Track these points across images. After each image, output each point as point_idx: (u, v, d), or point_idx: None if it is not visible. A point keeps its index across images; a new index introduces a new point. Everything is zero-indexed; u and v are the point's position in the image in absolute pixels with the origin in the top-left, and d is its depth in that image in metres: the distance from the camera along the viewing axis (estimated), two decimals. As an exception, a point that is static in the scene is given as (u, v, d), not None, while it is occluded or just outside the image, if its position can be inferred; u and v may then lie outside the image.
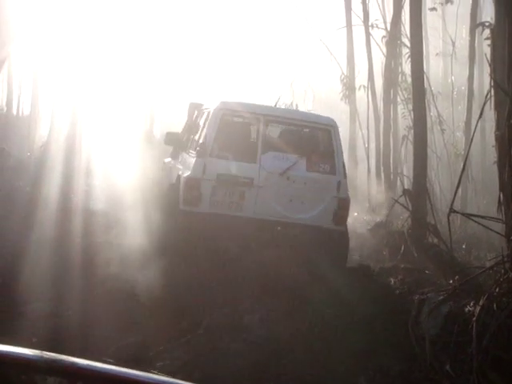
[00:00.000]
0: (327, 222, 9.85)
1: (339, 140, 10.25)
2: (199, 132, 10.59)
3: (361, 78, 23.17)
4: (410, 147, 17.49)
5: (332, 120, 10.43)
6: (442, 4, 22.45)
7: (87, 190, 15.20)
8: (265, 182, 9.78)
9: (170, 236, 9.75)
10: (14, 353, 1.85)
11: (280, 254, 10.06)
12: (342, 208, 9.93)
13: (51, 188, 14.69)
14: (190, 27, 29.68)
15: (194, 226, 9.52)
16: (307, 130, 10.59)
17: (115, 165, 17.13)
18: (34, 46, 22.44)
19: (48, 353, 1.86)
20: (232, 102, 10.41)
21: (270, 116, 10.23)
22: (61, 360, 1.83)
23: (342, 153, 10.16)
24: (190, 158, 10.25)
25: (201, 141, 10.02)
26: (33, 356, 1.85)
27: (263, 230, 9.73)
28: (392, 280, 9.56)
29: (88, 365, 1.84)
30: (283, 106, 21.89)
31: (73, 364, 1.83)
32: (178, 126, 27.63)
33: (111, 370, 1.85)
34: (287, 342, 7.36)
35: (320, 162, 10.09)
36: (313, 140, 10.48)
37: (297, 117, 10.72)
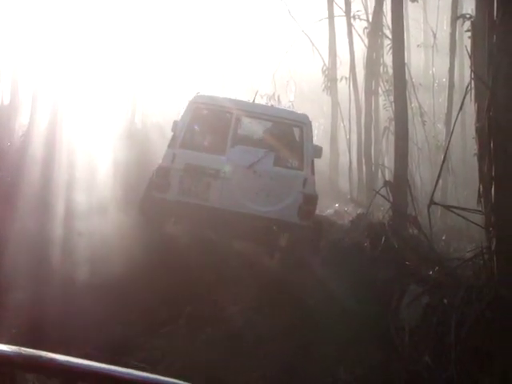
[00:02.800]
0: (292, 217, 9.99)
1: (311, 137, 10.43)
2: None
3: (343, 70, 23.19)
4: (392, 139, 17.55)
5: (305, 117, 10.61)
6: (423, -4, 22.52)
7: (68, 179, 15.10)
8: (231, 174, 10.03)
9: (145, 221, 10.12)
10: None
11: (249, 245, 10.30)
12: (307, 204, 10.07)
13: (32, 178, 14.59)
14: (172, 16, 29.51)
15: (163, 211, 9.94)
16: (280, 125, 10.74)
17: (96, 155, 17.06)
18: (14, 34, 22.20)
19: (26, 349, 1.85)
20: (206, 96, 10.76)
21: (243, 111, 10.44)
22: (40, 356, 1.82)
23: (312, 149, 10.31)
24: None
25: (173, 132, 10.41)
26: (11, 352, 1.84)
27: (228, 221, 9.86)
28: (372, 271, 9.62)
29: (67, 361, 1.84)
30: (264, 98, 21.94)
31: (51, 360, 1.83)
32: (160, 117, 27.55)
33: (90, 366, 1.85)
34: (267, 333, 7.39)
35: (288, 158, 10.41)
36: (284, 136, 10.67)
37: (269, 112, 10.87)
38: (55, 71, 18.32)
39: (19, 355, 1.82)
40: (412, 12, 28.91)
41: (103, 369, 1.85)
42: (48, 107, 18.33)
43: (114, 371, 1.84)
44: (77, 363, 1.85)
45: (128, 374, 1.85)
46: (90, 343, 6.80)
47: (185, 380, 2.01)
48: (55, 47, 18.35)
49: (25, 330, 6.91)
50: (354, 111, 22.07)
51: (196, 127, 10.57)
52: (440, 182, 14.65)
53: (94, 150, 17.49)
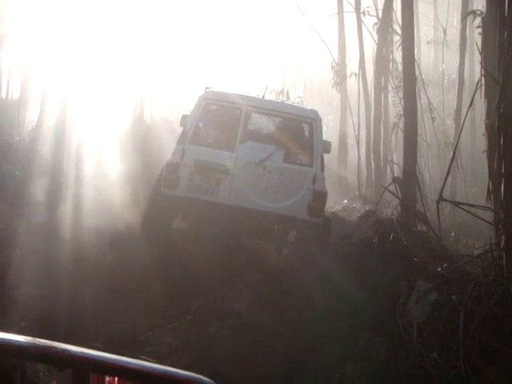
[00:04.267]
0: (301, 213, 10.01)
1: (320, 133, 10.40)
2: None
3: (352, 66, 23.14)
4: (401, 135, 17.48)
5: (315, 113, 10.59)
6: (433, -8, 22.43)
7: (77, 174, 15.15)
8: (240, 170, 10.04)
9: (150, 216, 10.19)
10: (6, 339, 1.86)
11: (259, 241, 10.33)
12: (316, 200, 10.07)
13: (41, 172, 14.64)
14: (182, 12, 29.49)
15: (172, 207, 9.99)
16: (289, 121, 10.72)
17: (105, 149, 17.10)
18: (24, 29, 22.23)
19: (40, 340, 1.87)
20: (216, 92, 10.72)
21: (253, 107, 10.44)
22: (53, 347, 1.83)
23: (321, 146, 10.29)
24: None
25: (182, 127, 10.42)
26: (25, 343, 1.85)
27: (237, 217, 9.88)
28: (380, 267, 9.60)
29: (80, 352, 1.85)
30: (273, 93, 21.92)
31: (64, 351, 1.84)
32: (169, 112, 27.56)
33: (102, 356, 1.86)
34: (275, 328, 7.39)
35: (298, 154, 10.37)
36: (294, 132, 10.66)
37: (279, 108, 10.83)
38: (64, 66, 18.35)
39: (33, 345, 1.83)
40: (422, 8, 28.76)
41: (115, 360, 1.86)
42: (57, 102, 18.38)
43: (126, 362, 1.85)
44: (89, 354, 1.87)
45: (140, 365, 1.86)
46: (97, 337, 6.83)
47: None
48: (65, 42, 18.39)
49: (33, 323, 6.95)
50: (363, 107, 22.00)
51: (206, 123, 10.53)
52: (449, 178, 14.61)
53: (102, 144, 17.53)
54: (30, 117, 22.84)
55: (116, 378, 1.94)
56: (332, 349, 7.04)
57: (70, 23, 18.12)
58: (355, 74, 22.23)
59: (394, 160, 21.84)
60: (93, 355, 1.86)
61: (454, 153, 12.36)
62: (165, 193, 9.99)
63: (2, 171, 15.21)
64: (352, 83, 23.07)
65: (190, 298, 8.16)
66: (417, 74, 15.61)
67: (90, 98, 19.87)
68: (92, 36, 19.70)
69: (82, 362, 1.85)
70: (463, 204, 10.51)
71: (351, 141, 24.05)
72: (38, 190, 12.88)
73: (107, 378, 1.95)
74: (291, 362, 6.83)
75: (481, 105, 9.82)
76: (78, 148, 16.55)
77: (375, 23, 21.26)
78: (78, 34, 18.26)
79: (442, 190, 9.74)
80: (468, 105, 10.40)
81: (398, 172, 18.08)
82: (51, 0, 19.59)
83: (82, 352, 1.86)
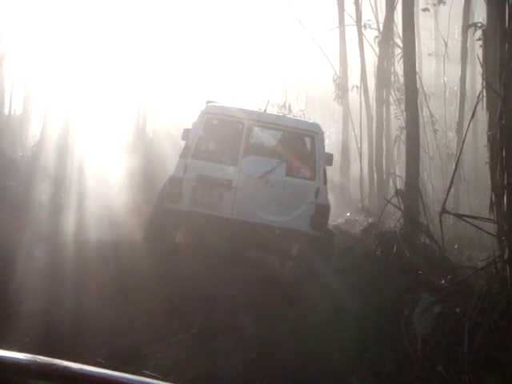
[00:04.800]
0: (304, 227, 10.00)
1: (323, 146, 10.43)
2: None
3: (353, 78, 23.19)
4: (403, 147, 17.50)
5: (317, 126, 10.62)
6: (434, 4, 22.48)
7: (80, 189, 15.17)
8: (244, 184, 10.05)
9: (153, 230, 10.21)
10: (6, 357, 1.85)
11: (262, 255, 10.33)
12: (319, 214, 10.07)
13: (43, 187, 14.67)
14: (183, 25, 29.64)
15: (175, 221, 10.04)
16: (291, 134, 10.74)
17: (108, 164, 17.12)
18: (26, 45, 22.34)
19: (41, 357, 1.86)
20: (218, 106, 10.74)
21: (255, 121, 10.46)
22: (54, 364, 1.83)
23: (323, 159, 10.32)
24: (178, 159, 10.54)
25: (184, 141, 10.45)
26: (26, 360, 1.84)
27: (240, 231, 9.92)
28: (384, 280, 9.59)
29: (81, 369, 1.84)
30: (276, 107, 21.97)
31: (65, 368, 1.83)
32: (171, 125, 27.60)
33: (103, 373, 1.85)
34: (280, 341, 7.38)
35: (300, 168, 10.35)
36: (296, 145, 10.67)
37: (281, 122, 10.82)
38: (66, 82, 18.42)
39: (34, 363, 1.82)
40: (423, 21, 28.89)
41: (117, 377, 1.85)
42: (59, 117, 18.44)
43: (128, 379, 1.85)
44: (91, 371, 1.85)
45: (144, 382, 1.85)
46: (100, 352, 6.81)
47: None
48: (67, 58, 18.46)
49: (36, 339, 6.94)
50: (365, 120, 22.03)
51: (208, 137, 10.54)
52: (452, 190, 14.60)
53: (105, 159, 17.56)
54: (33, 132, 22.90)
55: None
56: (336, 361, 7.02)
57: (71, 37, 18.20)
58: (357, 86, 22.27)
59: (397, 172, 21.82)
60: (94, 372, 1.85)
61: (457, 164, 12.38)
62: (168, 207, 9.99)
63: (6, 187, 15.24)
64: (354, 96, 23.10)
65: (194, 311, 8.15)
66: (418, 86, 15.64)
67: (92, 111, 19.93)
68: (94, 49, 19.79)
69: (83, 379, 1.84)
70: (466, 216, 10.50)
71: (353, 153, 24.05)
72: (40, 204, 12.89)
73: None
74: (296, 376, 6.80)
75: (483, 117, 9.83)
76: (81, 163, 16.58)
77: (376, 36, 21.33)
78: (80, 47, 18.35)
79: (444, 202, 9.74)
80: (470, 117, 10.41)
81: (400, 184, 18.08)
82: (52, 15, 19.66)
83: (82, 369, 1.85)
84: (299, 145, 10.78)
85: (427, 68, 28.10)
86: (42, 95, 21.37)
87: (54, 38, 19.63)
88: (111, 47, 22.52)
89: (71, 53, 18.25)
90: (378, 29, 21.43)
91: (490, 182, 8.54)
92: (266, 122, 10.58)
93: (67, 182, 15.36)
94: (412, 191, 12.56)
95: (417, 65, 15.09)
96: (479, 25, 14.16)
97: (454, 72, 23.28)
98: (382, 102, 20.71)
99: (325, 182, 10.29)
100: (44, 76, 21.80)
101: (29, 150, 19.82)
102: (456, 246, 14.76)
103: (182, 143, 10.76)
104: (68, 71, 18.35)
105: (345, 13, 23.08)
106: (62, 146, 16.87)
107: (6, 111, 24.77)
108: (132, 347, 7.25)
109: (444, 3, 21.89)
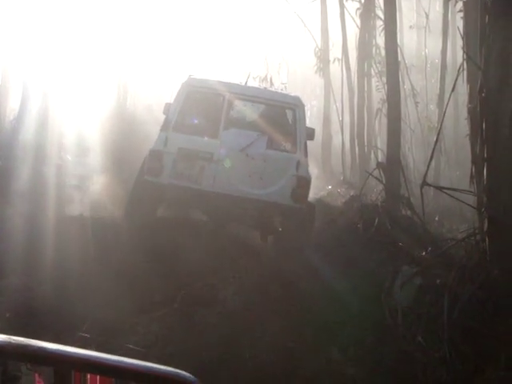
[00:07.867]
0: (285, 199, 10.02)
1: (304, 119, 10.45)
2: None
3: (335, 51, 23.14)
4: (384, 120, 17.54)
5: (298, 99, 10.61)
6: (416, -24, 22.43)
7: (60, 163, 15.06)
8: (224, 157, 10.01)
9: (134, 205, 10.18)
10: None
11: (243, 228, 10.34)
12: (300, 186, 10.09)
13: (24, 162, 14.52)
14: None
15: (156, 195, 9.96)
16: (272, 108, 10.73)
17: (87, 138, 17.01)
18: (3, 15, 21.99)
19: (16, 337, 1.84)
20: (199, 79, 10.68)
21: (236, 94, 10.44)
22: (29, 345, 1.81)
23: (304, 132, 10.33)
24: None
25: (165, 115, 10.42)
26: (0, 341, 1.82)
27: (221, 204, 9.90)
28: (365, 252, 9.65)
29: (57, 349, 1.83)
30: (257, 80, 21.87)
31: (41, 349, 1.81)
32: (152, 99, 27.41)
33: (80, 354, 1.84)
34: (261, 315, 7.41)
35: (281, 141, 10.34)
36: (277, 118, 10.66)
37: (262, 95, 10.82)
38: (45, 56, 18.18)
39: (8, 344, 1.81)
40: (404, -7, 28.77)
41: (93, 356, 1.84)
42: (38, 91, 18.21)
43: (106, 359, 1.84)
44: (67, 352, 1.84)
45: (120, 361, 1.85)
46: (83, 327, 6.81)
47: (176, 365, 2.01)
48: (44, 32, 18.20)
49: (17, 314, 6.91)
50: (346, 93, 22.03)
51: (188, 110, 10.50)
52: (433, 162, 14.67)
53: (85, 133, 17.43)
54: (12, 106, 22.64)
55: (98, 376, 1.94)
56: (318, 335, 7.07)
57: (49, 12, 17.95)
58: (338, 59, 22.26)
59: (378, 145, 21.92)
60: (71, 353, 1.84)
61: (438, 137, 12.44)
62: (148, 180, 9.97)
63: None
64: (335, 69, 23.08)
65: (176, 286, 8.15)
66: (400, 59, 15.65)
67: (72, 85, 19.71)
68: (73, 23, 19.53)
69: (61, 360, 1.83)
70: (446, 188, 10.58)
71: (335, 126, 24.07)
72: (20, 179, 12.78)
73: (88, 376, 1.94)
74: (278, 349, 6.84)
75: (463, 89, 9.85)
76: (61, 137, 16.43)
77: (358, 8, 21.26)
78: (59, 20, 18.09)
79: (425, 175, 9.79)
80: (451, 89, 10.43)
81: (382, 157, 18.16)
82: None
83: (59, 350, 1.84)
84: (280, 118, 10.76)
85: (408, 41, 28.03)
86: (20, 68, 21.07)
87: (33, 10, 19.32)
88: (91, 19, 22.23)
89: (49, 27, 18.00)
90: (360, 1, 21.33)
91: (470, 155, 8.58)
92: (246, 95, 10.55)
93: (47, 156, 15.21)
94: (393, 164, 12.62)
95: (398, 37, 15.06)
96: (460, -3, 14.11)
97: (435, 44, 23.28)
98: (363, 74, 20.71)
99: (306, 155, 10.30)
100: (22, 48, 21.50)
101: (8, 125, 19.59)
102: (437, 218, 14.87)
103: (163, 117, 10.70)
104: (47, 43, 18.11)
105: (326, -16, 22.95)
106: (41, 119, 16.68)
107: (-16, 85, 24.45)
108: (114, 322, 7.25)
109: (425, -25, 21.83)
